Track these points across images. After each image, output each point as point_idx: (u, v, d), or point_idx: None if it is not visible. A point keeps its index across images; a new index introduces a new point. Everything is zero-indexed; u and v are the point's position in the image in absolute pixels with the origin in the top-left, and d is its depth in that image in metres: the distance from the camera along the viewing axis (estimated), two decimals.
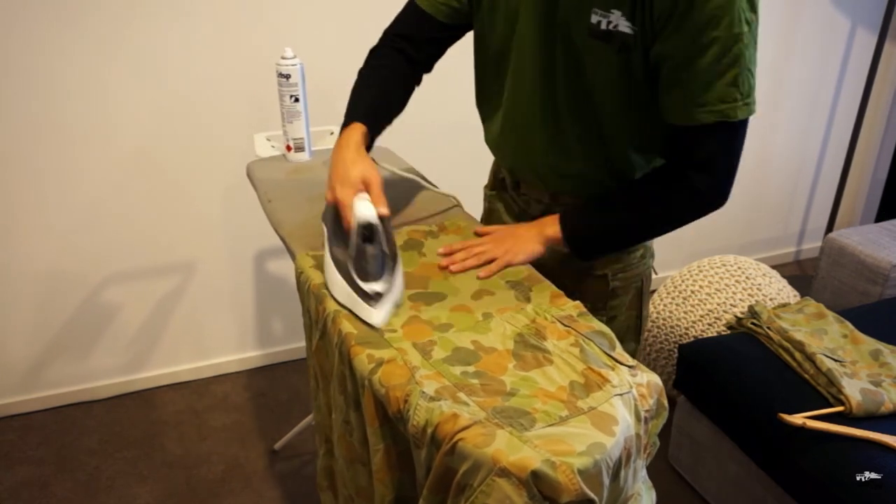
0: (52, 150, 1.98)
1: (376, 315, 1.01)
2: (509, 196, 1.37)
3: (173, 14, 1.94)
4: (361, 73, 1.30)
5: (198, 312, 2.32)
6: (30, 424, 2.19)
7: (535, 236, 1.19)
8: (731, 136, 1.06)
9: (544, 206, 1.30)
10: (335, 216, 1.11)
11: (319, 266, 1.15)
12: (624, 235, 1.22)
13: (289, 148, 1.58)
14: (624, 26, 1.03)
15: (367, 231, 1.03)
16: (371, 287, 1.01)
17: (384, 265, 1.04)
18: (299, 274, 1.16)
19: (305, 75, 1.55)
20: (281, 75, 1.50)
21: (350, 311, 1.03)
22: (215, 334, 2.38)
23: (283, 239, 1.29)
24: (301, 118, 1.54)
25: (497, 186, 1.41)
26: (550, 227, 1.20)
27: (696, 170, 1.09)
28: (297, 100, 1.53)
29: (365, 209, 1.04)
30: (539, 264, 1.31)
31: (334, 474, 1.20)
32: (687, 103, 1.04)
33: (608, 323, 1.30)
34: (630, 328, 1.36)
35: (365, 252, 1.02)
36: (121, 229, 2.13)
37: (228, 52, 2.03)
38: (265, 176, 1.52)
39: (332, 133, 1.82)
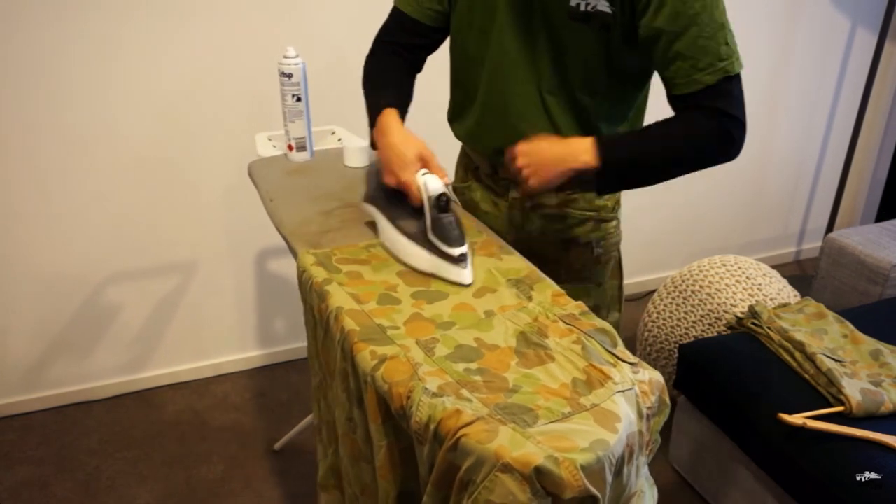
0: (53, 150, 1.98)
1: (467, 274, 1.11)
2: (485, 184, 1.40)
3: (175, 13, 1.94)
4: (368, 74, 1.34)
5: (198, 312, 2.32)
6: (30, 424, 2.19)
7: (560, 165, 1.15)
8: (735, 87, 1.13)
9: None
10: (391, 196, 1.20)
11: (321, 263, 1.15)
12: (653, 170, 1.19)
13: (290, 147, 1.58)
14: (602, 6, 1.11)
15: (443, 201, 1.12)
16: (457, 250, 1.10)
17: (461, 229, 1.13)
18: (301, 272, 1.16)
19: (307, 75, 1.55)
20: (283, 74, 1.50)
21: (436, 276, 1.12)
22: (216, 334, 2.38)
23: (284, 238, 1.29)
24: (303, 118, 1.54)
25: (471, 177, 1.44)
26: (584, 154, 1.14)
27: (718, 112, 1.12)
28: (298, 99, 1.53)
29: (435, 182, 1.12)
30: (525, 235, 1.37)
31: (340, 473, 1.21)
32: (690, 71, 1.10)
33: (595, 290, 1.38)
34: (614, 298, 1.43)
35: (442, 220, 1.11)
36: (122, 229, 2.13)
37: (230, 52, 2.03)
38: (267, 175, 1.53)
39: (332, 133, 1.83)
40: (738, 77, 1.12)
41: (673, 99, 1.16)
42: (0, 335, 2.13)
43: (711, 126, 1.12)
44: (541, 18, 1.17)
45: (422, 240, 1.13)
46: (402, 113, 1.27)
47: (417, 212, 1.16)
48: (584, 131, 1.25)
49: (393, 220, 1.18)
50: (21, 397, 2.22)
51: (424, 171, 1.15)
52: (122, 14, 1.90)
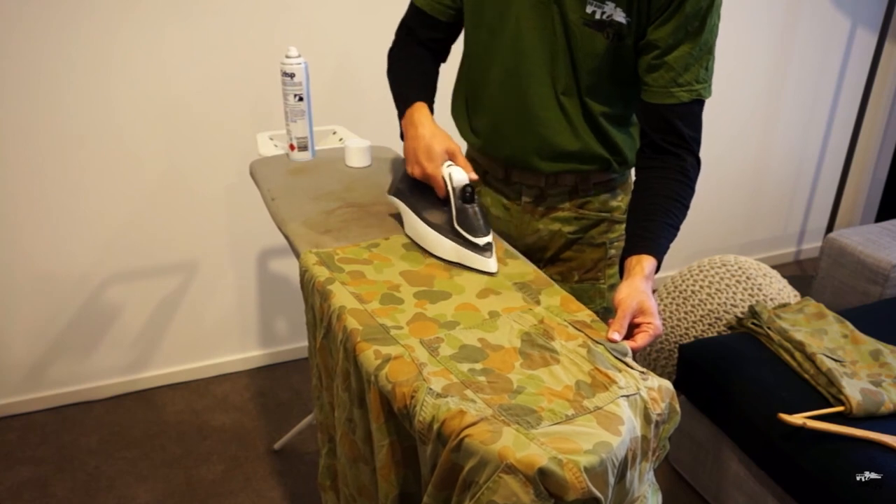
0: (54, 150, 1.98)
1: (492, 263, 1.14)
2: (495, 188, 1.40)
3: (178, 12, 1.94)
4: (394, 66, 1.35)
5: (198, 312, 2.32)
6: (30, 424, 2.18)
7: (647, 288, 1.08)
8: (701, 112, 1.19)
9: (538, 190, 1.34)
10: (416, 188, 1.23)
11: (323, 263, 1.15)
12: (676, 228, 1.19)
13: (292, 147, 1.58)
14: (619, 16, 1.13)
15: (468, 192, 1.15)
16: (482, 239, 1.14)
17: (486, 219, 1.16)
18: (304, 272, 1.16)
19: (309, 74, 1.54)
20: (285, 74, 1.50)
21: (462, 265, 1.16)
22: (216, 334, 2.38)
23: (286, 237, 1.29)
24: (305, 117, 1.54)
25: (479, 182, 1.43)
26: (647, 264, 1.10)
27: (687, 147, 1.19)
28: (300, 99, 1.53)
29: (460, 174, 1.16)
30: (538, 237, 1.37)
31: (336, 474, 1.21)
32: (669, 83, 1.15)
33: (609, 293, 1.38)
34: None
35: (468, 211, 1.15)
36: (123, 229, 2.13)
37: (232, 51, 2.03)
38: (268, 175, 1.52)
39: (334, 132, 1.83)
40: (704, 103, 1.18)
41: (645, 106, 1.19)
42: (0, 335, 2.13)
43: (696, 164, 1.20)
44: (559, 22, 1.17)
45: (447, 230, 1.17)
46: (431, 106, 1.29)
47: (442, 203, 1.19)
48: (597, 134, 1.26)
49: (418, 212, 1.21)
50: (21, 397, 2.21)
51: (450, 163, 1.18)
52: (124, 13, 1.90)
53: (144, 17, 1.92)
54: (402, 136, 1.28)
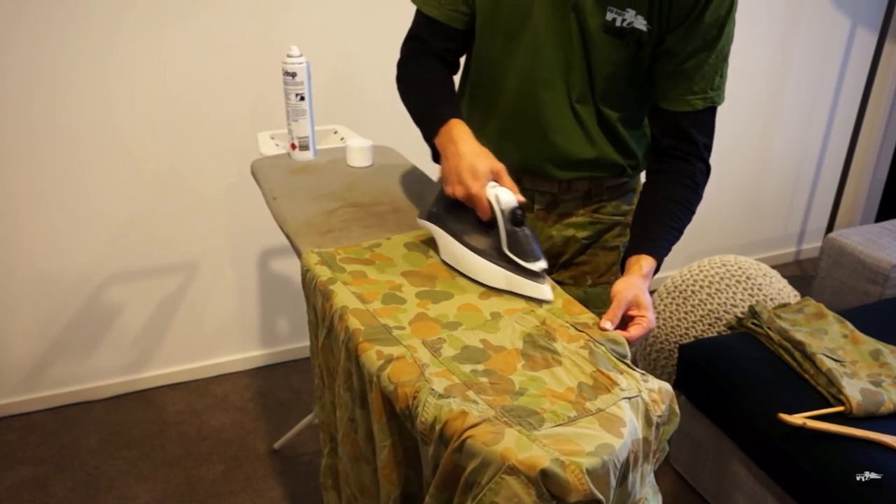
0: (54, 149, 1.98)
1: (547, 290, 1.07)
2: None
3: (177, 12, 1.94)
4: (412, 81, 1.29)
5: (199, 312, 2.32)
6: (30, 424, 2.18)
7: (644, 285, 1.11)
8: (714, 118, 1.21)
9: (550, 196, 1.33)
10: (453, 211, 1.14)
11: (325, 263, 1.15)
12: (679, 231, 1.22)
13: (293, 146, 1.58)
14: (640, 24, 1.12)
15: (518, 214, 1.08)
16: (538, 265, 1.07)
17: (538, 243, 1.09)
18: (305, 271, 1.16)
19: (311, 74, 1.54)
20: (287, 73, 1.50)
21: (513, 293, 1.08)
22: (216, 334, 2.38)
23: (288, 236, 1.29)
24: (306, 117, 1.54)
25: None
26: (645, 263, 1.13)
27: (698, 153, 1.20)
28: (302, 98, 1.52)
29: (508, 195, 1.08)
30: (551, 243, 1.37)
31: (338, 473, 1.21)
32: (685, 91, 1.16)
33: None
34: None
35: (518, 234, 1.07)
36: (123, 228, 2.13)
37: (234, 50, 2.03)
38: (270, 174, 1.52)
39: (335, 132, 1.83)
40: (717, 109, 1.19)
41: (657, 111, 1.20)
42: (0, 335, 2.13)
43: (705, 171, 1.21)
44: (577, 29, 1.16)
45: (495, 256, 1.09)
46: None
47: (484, 227, 1.11)
48: (613, 140, 1.26)
49: (458, 237, 1.13)
50: (21, 397, 2.21)
51: (494, 183, 1.10)
52: (124, 12, 1.89)
53: (144, 16, 1.92)
54: (434, 158, 1.22)
